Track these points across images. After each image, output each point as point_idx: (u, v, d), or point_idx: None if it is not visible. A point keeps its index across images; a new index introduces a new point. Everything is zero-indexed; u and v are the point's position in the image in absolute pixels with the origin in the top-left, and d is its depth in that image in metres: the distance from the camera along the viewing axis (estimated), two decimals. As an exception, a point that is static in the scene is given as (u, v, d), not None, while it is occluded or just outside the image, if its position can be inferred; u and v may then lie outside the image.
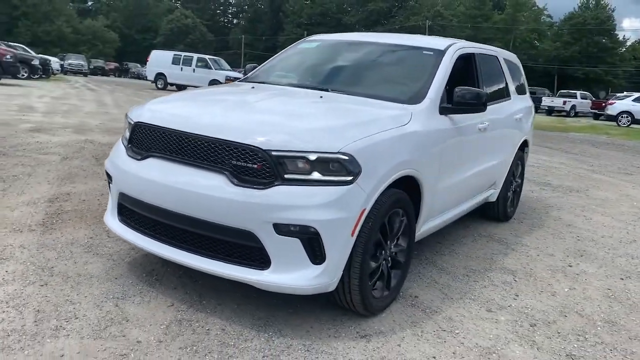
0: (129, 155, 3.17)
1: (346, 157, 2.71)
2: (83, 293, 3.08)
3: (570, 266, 4.38)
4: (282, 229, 2.64)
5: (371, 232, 2.88)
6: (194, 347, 2.63)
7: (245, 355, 2.61)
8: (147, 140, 3.09)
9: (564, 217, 6.03)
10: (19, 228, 4.02)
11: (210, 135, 2.81)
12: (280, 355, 2.64)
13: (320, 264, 2.72)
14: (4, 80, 19.91)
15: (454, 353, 2.83)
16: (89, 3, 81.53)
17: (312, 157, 2.68)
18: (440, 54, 3.96)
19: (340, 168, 2.71)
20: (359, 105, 3.42)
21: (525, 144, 5.62)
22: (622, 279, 4.20)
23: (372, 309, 3.07)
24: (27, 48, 30.97)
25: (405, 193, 3.21)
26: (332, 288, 2.82)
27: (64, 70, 41.22)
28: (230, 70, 27.81)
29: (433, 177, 3.50)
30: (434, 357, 2.76)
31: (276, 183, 2.67)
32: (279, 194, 2.65)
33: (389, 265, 3.26)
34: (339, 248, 2.72)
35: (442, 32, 74.03)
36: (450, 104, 3.65)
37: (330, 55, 4.43)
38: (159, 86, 27.30)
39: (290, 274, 2.71)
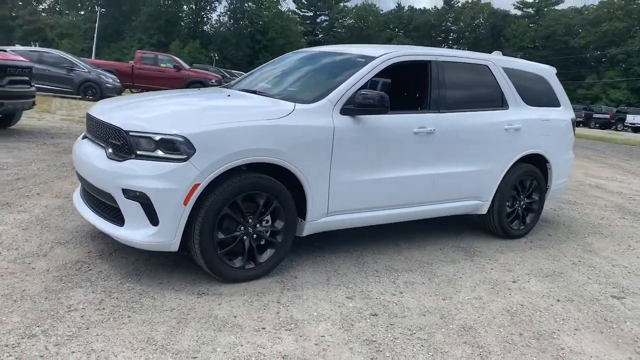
0: (81, 138, 4.18)
1: (181, 139, 3.31)
2: (41, 237, 4.14)
3: (514, 282, 4.15)
4: (129, 193, 3.35)
5: (213, 206, 3.40)
6: (63, 277, 3.46)
7: (91, 287, 3.35)
8: (87, 125, 4.07)
9: (599, 244, 5.43)
10: (59, 195, 5.34)
11: (104, 120, 3.66)
12: (115, 293, 3.32)
13: (156, 225, 3.34)
14: (211, 100, 23.48)
15: (259, 317, 3.18)
16: (319, 35, 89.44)
17: (157, 137, 3.34)
18: (367, 60, 4.22)
19: (176, 148, 3.32)
20: (245, 102, 3.95)
21: (540, 160, 5.28)
22: (559, 300, 3.87)
23: (223, 275, 3.56)
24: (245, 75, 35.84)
25: (277, 180, 3.64)
26: (173, 248, 3.41)
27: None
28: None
29: (320, 170, 3.80)
30: (235, 317, 3.16)
31: (131, 157, 3.39)
32: (129, 165, 3.37)
33: (262, 242, 3.70)
34: (170, 213, 3.31)
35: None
36: (353, 106, 3.91)
37: (293, 63, 4.93)
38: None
39: (135, 231, 3.39)
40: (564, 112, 5.58)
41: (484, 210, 5.00)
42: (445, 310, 3.53)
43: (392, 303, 3.56)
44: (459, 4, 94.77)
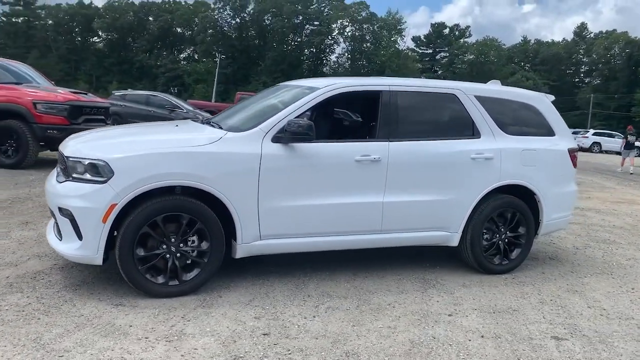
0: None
1: (103, 163, 3.72)
2: (27, 251, 4.74)
3: (450, 315, 3.98)
4: (62, 211, 3.81)
5: (132, 224, 3.74)
6: (14, 284, 3.97)
7: (30, 293, 3.82)
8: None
9: (595, 284, 4.96)
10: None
11: (60, 148, 4.20)
12: (45, 299, 3.76)
13: (81, 239, 3.75)
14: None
15: (152, 328, 3.42)
16: (439, 72, 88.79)
17: (86, 162, 3.79)
18: (311, 91, 4.40)
19: (99, 171, 3.73)
20: (184, 132, 4.30)
21: (525, 192, 5.00)
22: (483, 336, 3.66)
23: (145, 290, 3.86)
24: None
25: (202, 202, 3.91)
26: (98, 262, 3.78)
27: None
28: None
29: (246, 195, 3.99)
30: (131, 326, 3.43)
31: (69, 179, 3.86)
32: (64, 186, 3.85)
33: (188, 261, 3.96)
34: (91, 229, 3.70)
35: None
36: (284, 134, 4.10)
37: (264, 95, 5.17)
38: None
39: (68, 244, 3.83)
40: (559, 142, 5.24)
41: (455, 243, 4.83)
42: (344, 335, 3.51)
43: (295, 325, 3.62)
44: (591, 35, 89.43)
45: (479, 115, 4.87)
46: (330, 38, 77.40)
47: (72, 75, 79.27)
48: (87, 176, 3.77)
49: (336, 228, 4.39)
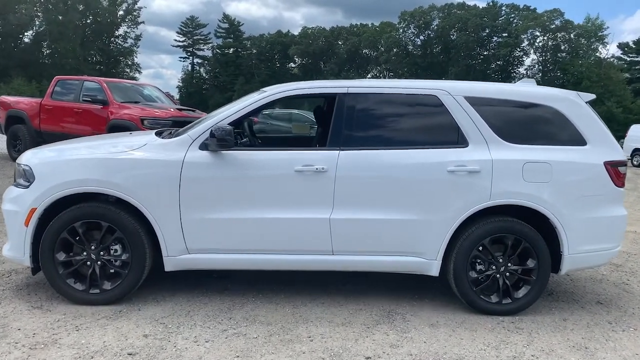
0: None
1: (28, 168, 3.86)
2: None
3: (367, 358, 3.29)
4: (2, 213, 4.03)
5: (51, 229, 3.80)
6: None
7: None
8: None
9: (624, 341, 3.71)
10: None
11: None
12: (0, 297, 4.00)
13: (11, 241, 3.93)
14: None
15: (33, 333, 3.42)
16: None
17: (21, 168, 3.97)
18: (258, 94, 4.08)
19: (27, 176, 3.88)
20: (123, 139, 4.24)
21: (538, 216, 3.98)
22: (379, 389, 2.94)
23: (66, 295, 3.89)
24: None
25: (121, 210, 3.83)
26: (27, 263, 3.89)
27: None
28: None
29: (166, 204, 3.80)
30: (19, 329, 3.47)
31: (13, 184, 4.08)
32: (8, 190, 4.07)
33: (111, 270, 3.91)
34: (16, 232, 3.85)
35: None
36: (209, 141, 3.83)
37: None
38: (635, 163, 24.64)
39: (5, 244, 4.04)
40: (591, 153, 4.05)
41: (434, 272, 4.01)
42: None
43: (174, 348, 3.30)
44: None
45: (468, 120, 4.00)
46: (519, 49, 72.83)
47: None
48: (21, 181, 3.94)
49: (275, 246, 3.95)
